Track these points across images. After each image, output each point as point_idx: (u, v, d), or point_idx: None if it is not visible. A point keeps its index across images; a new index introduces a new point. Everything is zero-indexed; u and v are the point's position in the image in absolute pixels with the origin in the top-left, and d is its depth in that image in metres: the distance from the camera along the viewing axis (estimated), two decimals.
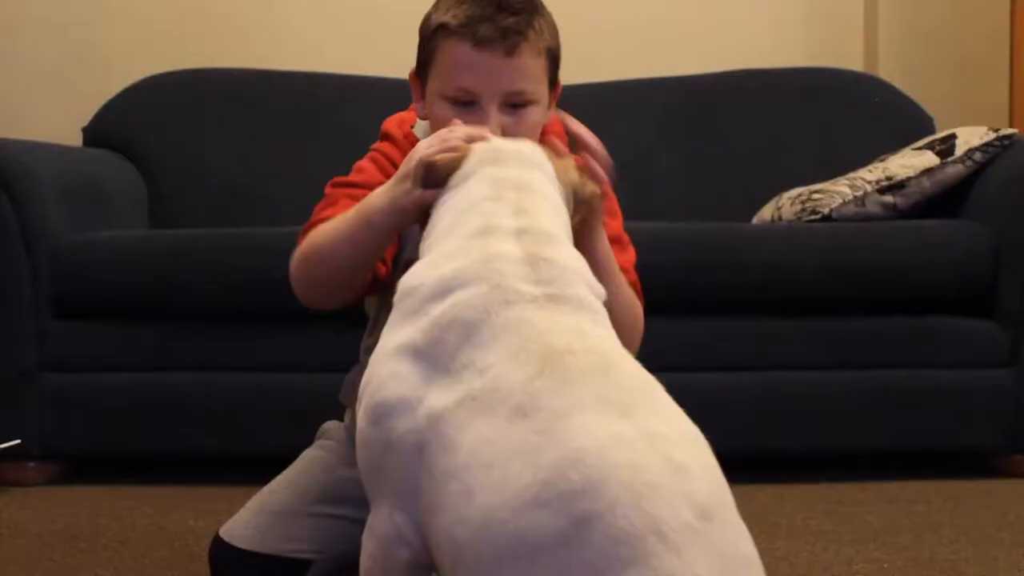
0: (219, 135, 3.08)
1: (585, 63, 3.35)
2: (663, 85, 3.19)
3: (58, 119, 3.23)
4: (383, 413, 1.04)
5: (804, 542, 1.87)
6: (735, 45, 3.42)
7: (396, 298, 1.13)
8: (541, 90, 1.42)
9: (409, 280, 1.13)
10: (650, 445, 0.90)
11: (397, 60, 3.28)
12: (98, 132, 3.05)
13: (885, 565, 1.75)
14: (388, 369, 1.06)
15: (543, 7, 1.44)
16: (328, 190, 1.50)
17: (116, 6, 3.36)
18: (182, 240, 2.41)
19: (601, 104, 3.15)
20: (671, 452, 0.89)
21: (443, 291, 1.08)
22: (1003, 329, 2.40)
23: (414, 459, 1.01)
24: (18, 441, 2.34)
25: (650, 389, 1.00)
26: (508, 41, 1.36)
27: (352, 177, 1.50)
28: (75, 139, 3.07)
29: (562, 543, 0.85)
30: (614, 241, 1.43)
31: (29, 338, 2.37)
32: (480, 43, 1.37)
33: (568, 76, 3.13)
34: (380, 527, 1.05)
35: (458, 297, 1.06)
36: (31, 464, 2.38)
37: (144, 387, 2.38)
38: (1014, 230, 2.40)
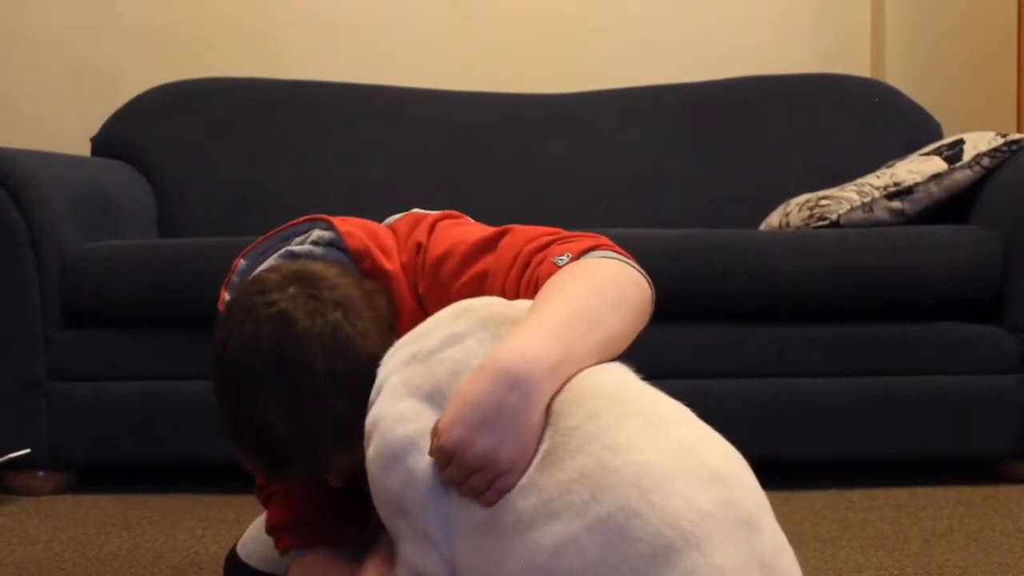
0: (227, 145, 3.08)
1: (592, 70, 3.37)
2: (671, 92, 3.20)
3: (67, 129, 3.25)
4: (395, 458, 1.04)
5: (813, 549, 1.87)
6: (742, 52, 3.43)
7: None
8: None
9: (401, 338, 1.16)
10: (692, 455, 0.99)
11: (404, 68, 3.32)
12: (107, 142, 3.06)
13: (895, 572, 1.74)
14: (393, 411, 1.07)
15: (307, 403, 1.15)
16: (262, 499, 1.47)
17: (125, 17, 3.38)
18: (190, 249, 2.41)
19: (608, 111, 3.16)
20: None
21: (437, 345, 1.10)
22: (1012, 335, 2.39)
23: (437, 494, 1.02)
24: (27, 450, 2.35)
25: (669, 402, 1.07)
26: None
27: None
28: (84, 149, 3.08)
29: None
30: (489, 248, 1.29)
31: (37, 347, 2.37)
32: None
33: (575, 83, 3.24)
34: (406, 572, 1.05)
35: (455, 348, 1.09)
36: (40, 473, 2.39)
37: (152, 396, 2.38)
38: (1023, 235, 2.40)
